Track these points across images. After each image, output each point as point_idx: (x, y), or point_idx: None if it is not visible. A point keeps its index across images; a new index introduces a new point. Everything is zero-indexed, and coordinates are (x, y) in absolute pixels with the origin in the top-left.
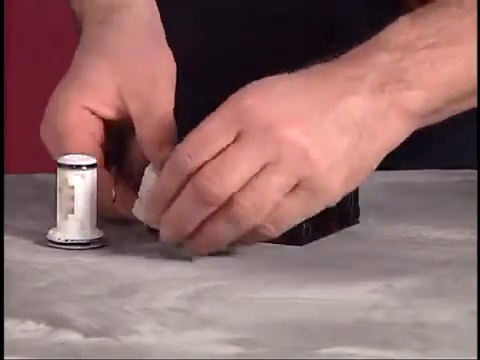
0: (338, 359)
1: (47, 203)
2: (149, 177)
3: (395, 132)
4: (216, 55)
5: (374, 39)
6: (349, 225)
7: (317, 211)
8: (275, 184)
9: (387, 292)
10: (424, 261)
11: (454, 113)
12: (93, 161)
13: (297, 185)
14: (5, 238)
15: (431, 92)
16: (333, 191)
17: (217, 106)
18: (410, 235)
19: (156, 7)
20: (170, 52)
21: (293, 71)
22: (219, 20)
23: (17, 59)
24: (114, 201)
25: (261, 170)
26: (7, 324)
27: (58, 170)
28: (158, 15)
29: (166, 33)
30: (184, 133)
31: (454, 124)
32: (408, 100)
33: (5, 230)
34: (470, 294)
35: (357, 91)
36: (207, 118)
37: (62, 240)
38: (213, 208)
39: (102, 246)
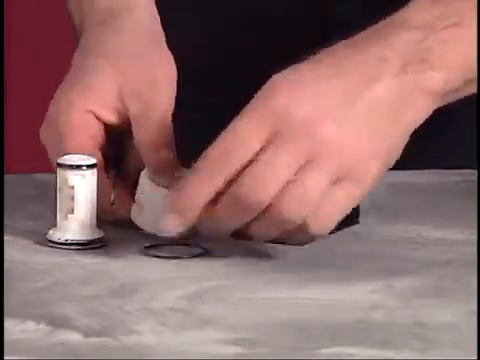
0: (338, 359)
1: (47, 203)
2: (145, 182)
3: (419, 112)
4: (216, 57)
5: (397, 16)
6: (349, 225)
7: (359, 201)
8: (317, 182)
9: (387, 292)
10: (424, 261)
11: (471, 92)
12: (93, 161)
13: (337, 178)
14: (5, 238)
15: (451, 72)
16: (372, 178)
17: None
18: (410, 235)
19: (156, 11)
20: (171, 56)
21: None
22: (219, 22)
23: (17, 59)
24: (112, 204)
25: (300, 169)
26: (7, 324)
27: (58, 170)
28: (158, 19)
29: (166, 36)
30: (183, 136)
31: (454, 124)
32: (430, 80)
33: (5, 230)
34: (470, 294)
35: (382, 75)
36: (237, 118)
37: (62, 240)
38: (255, 214)
39: (102, 246)
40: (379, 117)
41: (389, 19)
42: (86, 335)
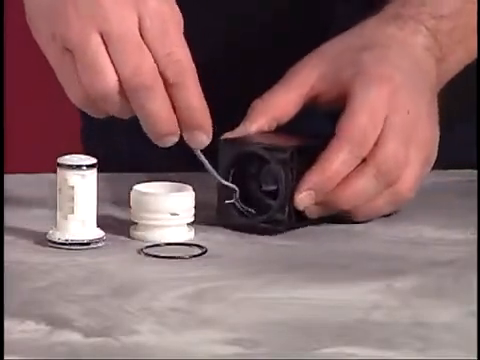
0: (338, 359)
1: (47, 203)
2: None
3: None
4: (215, 55)
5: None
6: (341, 222)
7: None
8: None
9: (387, 292)
10: (424, 261)
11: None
12: (93, 161)
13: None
14: (5, 238)
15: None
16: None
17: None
18: (410, 235)
19: None
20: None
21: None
22: (218, 20)
23: (17, 59)
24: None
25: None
26: (7, 324)
27: (58, 170)
28: None
29: None
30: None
31: (454, 124)
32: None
33: (5, 230)
34: (470, 294)
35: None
36: (360, 103)
37: (62, 240)
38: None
39: (102, 246)
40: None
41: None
42: (86, 335)
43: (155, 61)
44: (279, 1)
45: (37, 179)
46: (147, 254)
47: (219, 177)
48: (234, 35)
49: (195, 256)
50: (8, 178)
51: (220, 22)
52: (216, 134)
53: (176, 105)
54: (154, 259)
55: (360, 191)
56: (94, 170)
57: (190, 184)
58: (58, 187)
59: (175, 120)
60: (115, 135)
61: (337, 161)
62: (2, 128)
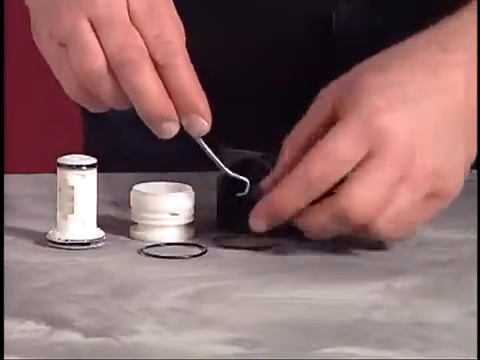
0: (338, 359)
1: (47, 203)
2: (143, 199)
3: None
4: (215, 56)
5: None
6: None
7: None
8: (410, 203)
9: (387, 292)
10: (424, 261)
11: None
12: (93, 161)
13: (427, 194)
14: (5, 238)
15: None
16: (458, 190)
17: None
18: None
19: None
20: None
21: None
22: (219, 21)
23: (17, 59)
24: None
25: (396, 186)
26: (7, 324)
27: (58, 170)
28: None
29: None
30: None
31: None
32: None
33: (5, 230)
34: (470, 294)
35: (460, 87)
36: (337, 129)
37: (62, 240)
38: (353, 226)
39: (102, 246)
40: (462, 130)
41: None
42: (86, 335)
43: (145, 44)
44: (280, 3)
45: (37, 179)
46: (147, 254)
47: (226, 168)
48: (235, 38)
49: (195, 256)
50: (8, 178)
51: (220, 23)
52: (216, 135)
53: (169, 89)
54: (154, 259)
55: (314, 226)
56: (94, 170)
57: (190, 184)
58: (58, 187)
59: (169, 102)
60: (116, 134)
61: (288, 195)
62: (2, 128)
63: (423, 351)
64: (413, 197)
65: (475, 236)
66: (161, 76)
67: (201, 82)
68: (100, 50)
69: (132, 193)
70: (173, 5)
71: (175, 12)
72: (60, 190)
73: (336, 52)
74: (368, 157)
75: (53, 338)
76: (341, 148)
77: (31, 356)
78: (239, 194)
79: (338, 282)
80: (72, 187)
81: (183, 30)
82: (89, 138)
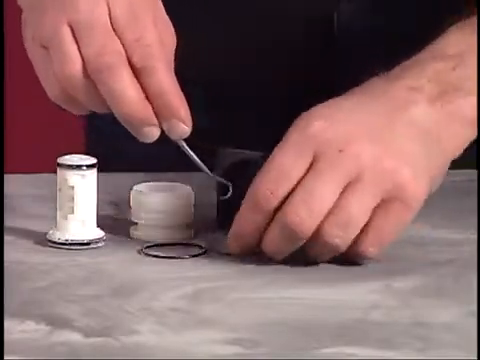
0: (338, 359)
1: (47, 203)
2: (143, 199)
3: (460, 138)
4: (215, 57)
5: (427, 49)
6: None
7: (409, 221)
8: (362, 205)
9: (387, 292)
10: (424, 261)
11: None
12: (93, 161)
13: (385, 200)
14: (5, 238)
15: None
16: (421, 197)
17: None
18: (410, 235)
19: None
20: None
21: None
22: (219, 22)
23: (17, 59)
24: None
25: (344, 191)
26: (7, 324)
27: (58, 170)
28: None
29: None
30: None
31: None
32: (466, 107)
33: (5, 230)
34: (470, 294)
35: (418, 101)
36: (277, 148)
37: (62, 240)
38: (304, 240)
39: (102, 246)
40: (419, 139)
41: (424, 51)
42: (86, 335)
43: (124, 48)
44: (280, 2)
45: (37, 179)
46: (147, 254)
47: (208, 171)
48: (235, 39)
49: (195, 256)
50: (8, 178)
51: (219, 24)
52: (216, 136)
53: (148, 93)
54: (154, 259)
55: (268, 244)
56: (94, 170)
57: (190, 184)
58: (58, 187)
59: (148, 106)
60: (116, 134)
61: (244, 217)
62: (2, 128)
63: (423, 351)
64: (363, 200)
65: (475, 236)
66: (140, 80)
67: (200, 83)
68: (78, 55)
69: (132, 193)
70: (161, 8)
71: (163, 14)
72: (60, 190)
73: (337, 52)
74: (311, 166)
75: (53, 338)
76: (282, 162)
77: (31, 356)
78: (222, 197)
79: (338, 282)
80: (72, 187)
81: (173, 32)
82: (90, 138)
